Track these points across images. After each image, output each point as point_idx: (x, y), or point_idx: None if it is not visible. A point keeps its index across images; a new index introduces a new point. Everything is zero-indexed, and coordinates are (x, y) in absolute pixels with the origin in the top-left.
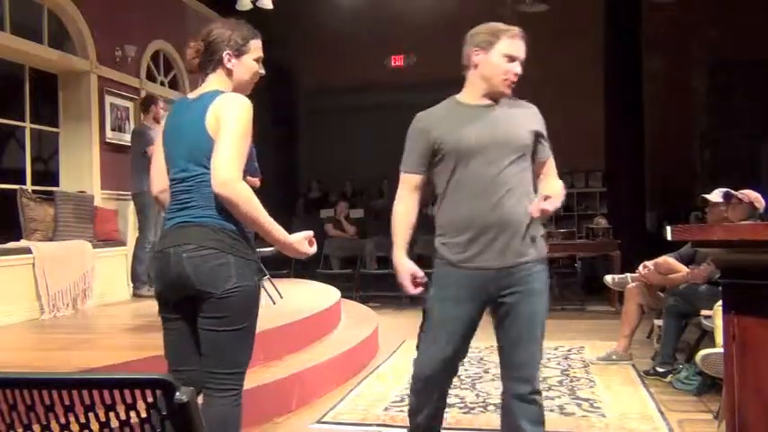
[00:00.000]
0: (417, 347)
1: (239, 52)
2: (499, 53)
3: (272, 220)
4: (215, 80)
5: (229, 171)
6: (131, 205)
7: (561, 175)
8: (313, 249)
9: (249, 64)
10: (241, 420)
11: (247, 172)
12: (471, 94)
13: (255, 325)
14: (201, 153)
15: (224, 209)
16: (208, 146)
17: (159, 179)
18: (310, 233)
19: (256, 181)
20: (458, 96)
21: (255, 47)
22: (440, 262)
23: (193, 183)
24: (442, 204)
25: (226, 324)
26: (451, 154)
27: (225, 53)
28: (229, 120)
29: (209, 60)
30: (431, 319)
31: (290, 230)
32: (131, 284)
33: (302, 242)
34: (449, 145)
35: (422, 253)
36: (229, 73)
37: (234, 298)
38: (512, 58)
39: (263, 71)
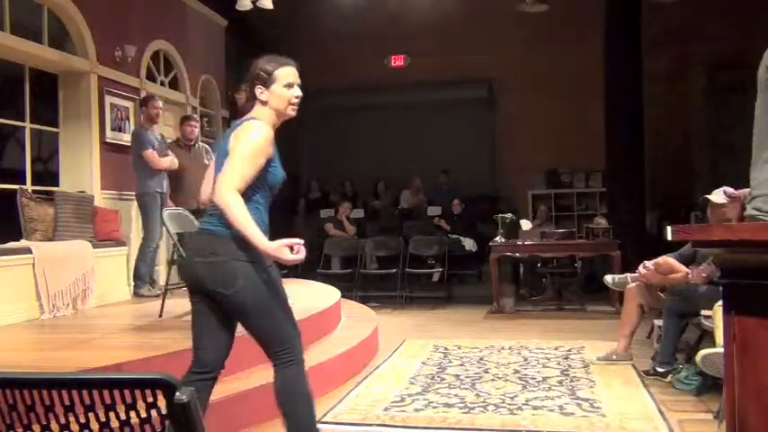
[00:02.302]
0: None
1: (267, 83)
2: None
3: (255, 228)
4: (254, 110)
5: (223, 182)
6: (132, 205)
7: (561, 175)
8: (295, 256)
9: (280, 92)
10: (305, 381)
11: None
12: None
13: (281, 306)
14: None
15: None
16: None
17: (207, 188)
18: (293, 241)
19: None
20: None
21: (282, 75)
22: None
23: None
24: None
25: (249, 318)
26: None
27: (257, 88)
28: (240, 142)
29: (253, 97)
30: None
31: (293, 231)
32: (132, 284)
33: (280, 249)
34: None
35: (416, 253)
36: (264, 103)
37: (241, 296)
38: None
39: (299, 93)
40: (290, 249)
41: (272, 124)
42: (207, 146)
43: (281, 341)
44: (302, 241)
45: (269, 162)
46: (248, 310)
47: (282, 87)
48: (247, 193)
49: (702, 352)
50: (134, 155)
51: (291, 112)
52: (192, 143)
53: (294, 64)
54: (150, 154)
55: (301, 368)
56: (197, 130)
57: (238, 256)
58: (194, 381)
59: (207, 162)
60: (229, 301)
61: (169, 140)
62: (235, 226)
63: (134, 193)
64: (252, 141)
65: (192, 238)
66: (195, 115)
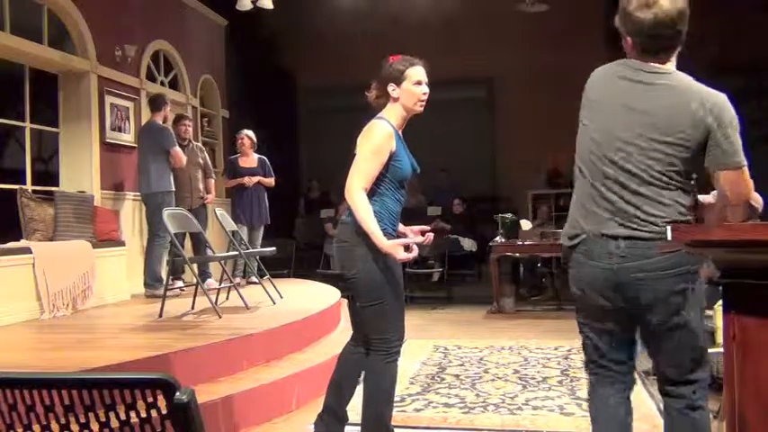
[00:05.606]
0: None
1: (399, 81)
2: None
3: (374, 224)
4: (387, 108)
5: (349, 182)
6: (131, 205)
7: (560, 175)
8: (407, 255)
9: (409, 89)
10: (394, 374)
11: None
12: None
13: (392, 300)
14: None
15: None
16: None
17: None
18: (408, 240)
19: (271, 180)
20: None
21: (412, 73)
22: None
23: None
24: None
25: (361, 300)
26: None
27: (389, 86)
28: (361, 144)
29: (386, 95)
30: None
31: (293, 230)
32: (147, 284)
33: (393, 247)
34: None
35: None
36: (396, 100)
37: (355, 280)
38: None
39: (426, 90)
40: (404, 248)
41: (401, 120)
42: (200, 144)
43: (380, 330)
44: (417, 239)
45: (392, 157)
46: (360, 293)
47: (412, 85)
48: (374, 188)
49: None
50: (152, 151)
51: (419, 108)
52: (186, 143)
53: (423, 64)
54: (180, 151)
55: (392, 365)
56: (191, 130)
57: (360, 244)
58: (352, 352)
59: (201, 161)
60: (349, 282)
61: None
62: (358, 221)
63: (145, 191)
64: (371, 141)
65: (338, 227)
66: (188, 114)
